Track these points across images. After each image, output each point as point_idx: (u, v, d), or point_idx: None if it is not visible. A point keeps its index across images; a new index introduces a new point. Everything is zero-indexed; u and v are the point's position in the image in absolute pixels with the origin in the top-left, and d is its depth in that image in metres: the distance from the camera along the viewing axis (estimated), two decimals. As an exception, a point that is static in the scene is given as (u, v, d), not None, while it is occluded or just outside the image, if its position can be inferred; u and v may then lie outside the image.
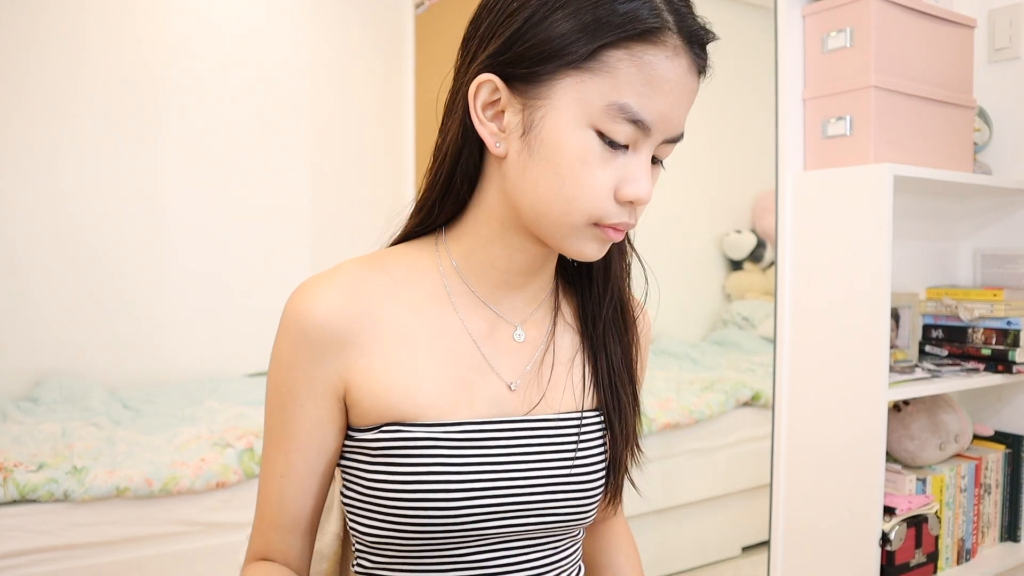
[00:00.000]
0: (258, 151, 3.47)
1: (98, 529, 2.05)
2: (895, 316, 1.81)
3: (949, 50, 1.71)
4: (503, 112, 0.72)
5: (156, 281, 3.25)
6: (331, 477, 0.81)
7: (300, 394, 0.75)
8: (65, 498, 2.02)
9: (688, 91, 0.70)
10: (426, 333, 0.77)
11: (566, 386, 0.83)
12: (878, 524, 1.54)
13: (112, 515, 2.07)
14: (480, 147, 0.75)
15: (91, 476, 2.05)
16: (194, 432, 2.46)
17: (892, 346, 1.80)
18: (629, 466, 0.87)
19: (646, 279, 0.88)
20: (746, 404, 2.99)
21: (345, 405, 0.77)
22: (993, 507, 1.85)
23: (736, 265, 4.09)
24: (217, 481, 2.17)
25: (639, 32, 0.66)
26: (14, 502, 1.98)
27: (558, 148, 0.69)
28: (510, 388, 0.80)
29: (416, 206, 0.82)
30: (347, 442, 0.78)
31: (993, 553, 1.83)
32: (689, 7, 0.71)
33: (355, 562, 0.82)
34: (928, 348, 1.88)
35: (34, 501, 2.00)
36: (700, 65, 0.71)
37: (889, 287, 1.52)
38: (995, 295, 1.77)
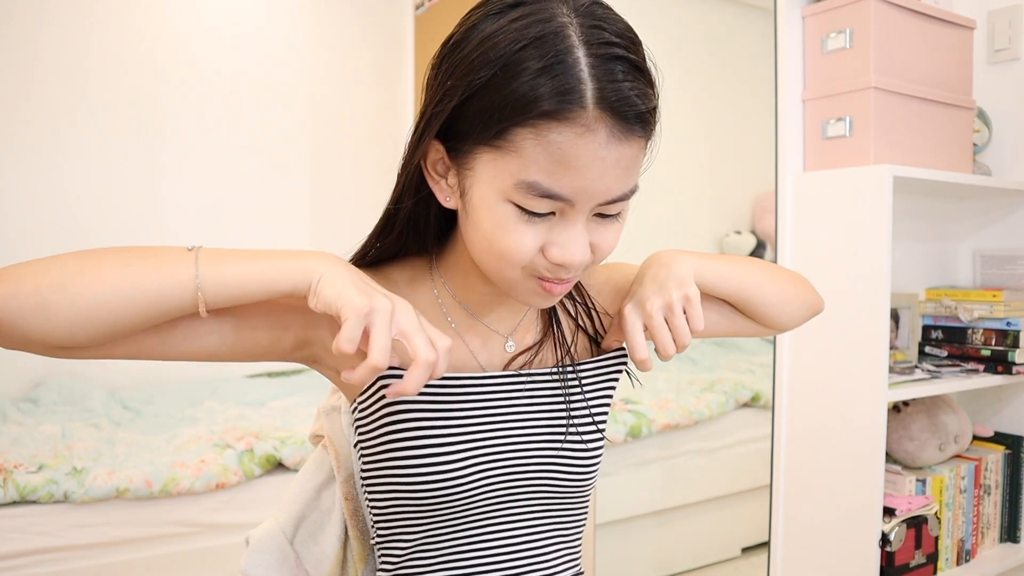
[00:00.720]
0: (258, 151, 3.47)
1: (98, 530, 2.05)
2: (895, 317, 1.82)
3: (948, 51, 1.71)
4: (447, 174, 0.73)
5: (156, 282, 3.24)
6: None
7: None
8: (65, 499, 2.01)
9: (613, 162, 0.66)
10: None
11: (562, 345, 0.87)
12: (878, 525, 1.54)
13: (112, 516, 2.07)
14: (435, 207, 0.78)
15: (91, 477, 2.05)
16: (194, 433, 2.46)
17: (892, 347, 1.80)
18: None
19: None
20: (746, 405, 2.99)
21: (305, 355, 0.79)
22: (993, 508, 1.85)
23: (736, 266, 4.08)
24: (217, 482, 2.17)
25: (542, 112, 0.63)
26: (14, 503, 1.98)
27: (482, 216, 0.70)
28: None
29: (380, 232, 0.82)
30: (357, 422, 0.81)
31: (993, 554, 1.83)
32: (628, 68, 0.66)
33: (379, 554, 0.84)
34: (928, 349, 1.88)
35: (34, 502, 2.00)
36: (629, 133, 0.66)
37: (889, 288, 1.52)
38: (995, 296, 1.77)
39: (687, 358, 3.52)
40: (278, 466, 2.32)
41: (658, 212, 3.80)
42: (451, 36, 0.71)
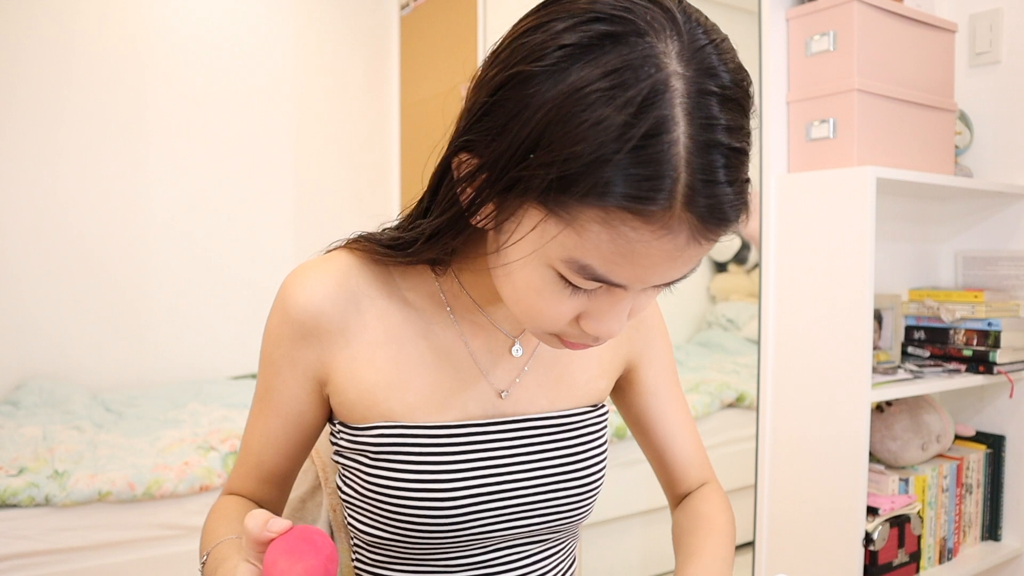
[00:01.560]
0: (242, 153, 3.45)
1: (80, 534, 2.03)
2: (878, 317, 1.83)
3: (931, 54, 1.73)
4: (487, 203, 0.62)
5: (139, 283, 3.22)
6: (310, 443, 0.82)
7: (282, 368, 0.77)
8: (46, 503, 1.99)
9: (685, 260, 0.57)
10: (417, 330, 0.76)
11: (565, 386, 0.83)
12: (861, 524, 1.55)
13: (94, 519, 2.05)
14: (463, 223, 0.69)
15: (73, 480, 2.03)
16: (177, 435, 2.44)
17: (875, 347, 1.81)
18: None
19: None
20: (730, 405, 3.00)
21: (326, 392, 0.78)
22: (975, 507, 1.87)
23: (720, 267, 4.11)
24: (201, 484, 2.15)
25: (618, 202, 0.52)
26: (-6, 507, 1.96)
27: (516, 272, 0.62)
28: (500, 396, 0.78)
29: (406, 241, 0.73)
30: (345, 439, 0.77)
31: (974, 552, 1.85)
32: (731, 160, 0.55)
33: (354, 556, 0.82)
34: (910, 349, 1.90)
35: (15, 506, 1.98)
36: (713, 236, 0.57)
37: (872, 289, 1.53)
38: (976, 296, 1.78)
39: (672, 359, 3.53)
40: (263, 468, 2.30)
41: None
42: (515, 53, 0.57)
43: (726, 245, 3.99)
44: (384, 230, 0.77)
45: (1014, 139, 1.89)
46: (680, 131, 0.52)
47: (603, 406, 0.86)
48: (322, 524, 0.93)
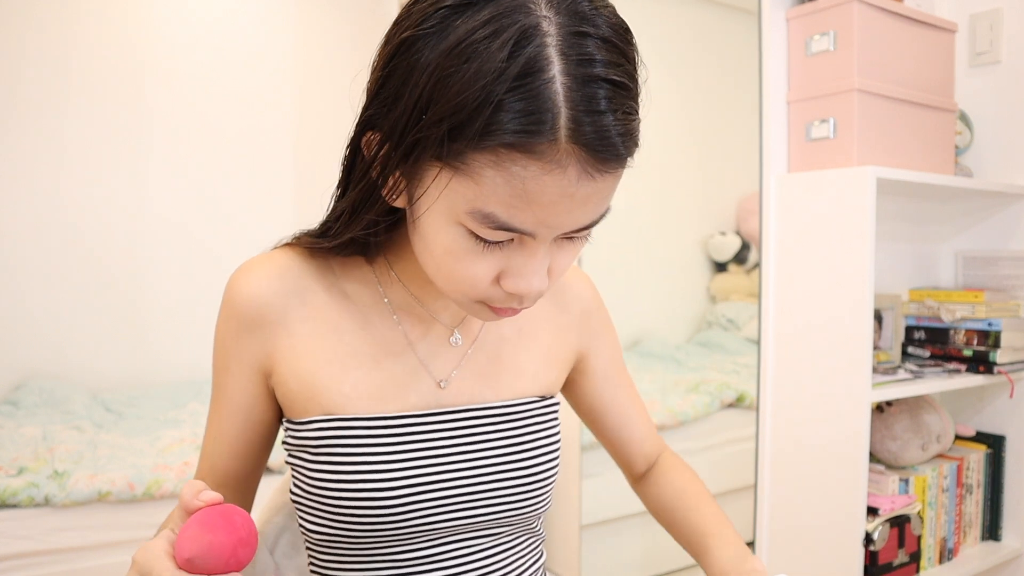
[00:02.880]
0: (241, 151, 3.45)
1: (80, 534, 2.03)
2: (878, 318, 1.83)
3: (931, 54, 1.73)
4: (395, 170, 0.64)
5: (138, 283, 3.22)
6: (265, 444, 0.83)
7: (230, 364, 0.78)
8: (46, 503, 1.99)
9: (583, 198, 0.58)
10: (357, 323, 0.77)
11: (510, 375, 0.82)
12: (861, 524, 1.55)
13: (94, 519, 2.05)
14: (379, 200, 0.70)
15: (73, 480, 2.03)
16: (177, 435, 2.44)
17: (875, 347, 1.81)
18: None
19: None
20: (730, 405, 3.00)
21: (271, 384, 0.78)
22: (975, 507, 1.86)
23: (720, 267, 4.10)
24: (201, 484, 2.15)
25: (505, 141, 0.55)
26: (-6, 507, 1.96)
27: (430, 237, 0.63)
28: (439, 386, 0.78)
29: (330, 225, 0.76)
30: (290, 437, 0.77)
31: (975, 552, 1.85)
32: (612, 93, 0.56)
33: (309, 561, 0.81)
34: (910, 349, 1.90)
35: (15, 506, 1.98)
36: (604, 170, 0.58)
37: (872, 289, 1.53)
38: (976, 296, 1.78)
39: (672, 359, 3.53)
40: (262, 468, 2.30)
41: (643, 213, 3.80)
42: (404, 22, 0.62)
43: (726, 245, 3.99)
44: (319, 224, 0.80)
45: (1014, 139, 1.89)
46: (556, 69, 0.55)
47: (552, 398, 0.85)
48: None
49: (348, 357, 0.76)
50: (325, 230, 0.77)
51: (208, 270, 3.37)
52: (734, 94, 3.75)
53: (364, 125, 0.66)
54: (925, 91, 1.70)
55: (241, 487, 0.84)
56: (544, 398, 0.84)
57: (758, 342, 1.74)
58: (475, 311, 0.68)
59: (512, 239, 0.61)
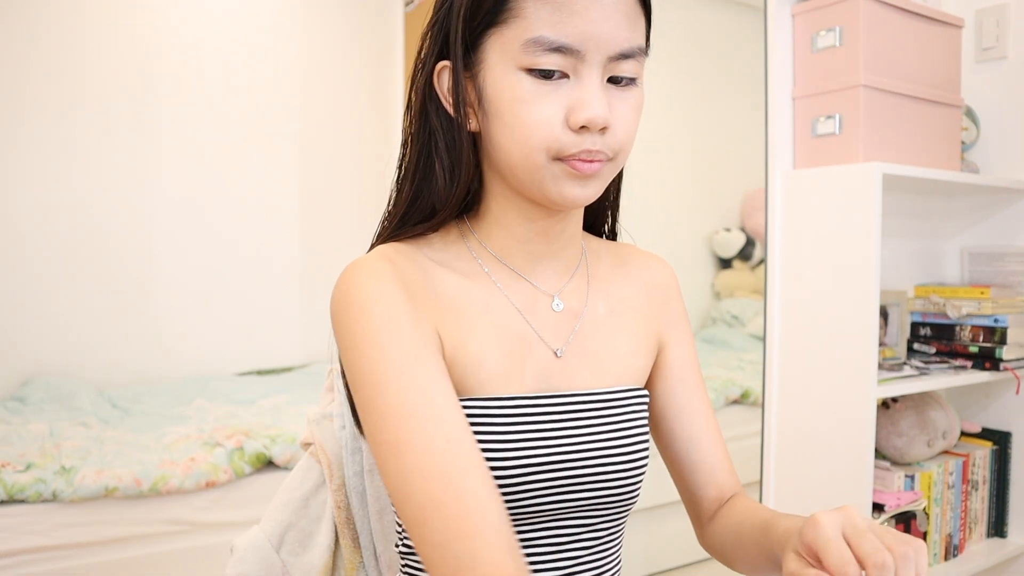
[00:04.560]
0: (248, 150, 3.45)
1: (87, 529, 2.04)
2: (883, 314, 1.82)
3: (937, 49, 1.72)
4: (466, 92, 0.75)
5: (145, 280, 3.23)
6: None
7: (419, 352, 0.69)
8: (53, 498, 2.00)
9: (612, 5, 0.70)
10: (478, 307, 0.78)
11: (607, 358, 0.83)
12: (867, 521, 1.55)
13: (101, 515, 2.06)
14: (466, 134, 0.76)
15: (80, 476, 2.04)
16: (183, 431, 2.45)
17: (881, 344, 1.81)
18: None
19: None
20: (736, 402, 3.00)
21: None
22: (980, 503, 1.86)
23: (725, 263, 4.10)
24: (207, 480, 2.16)
25: None
26: (2, 503, 1.97)
27: (498, 99, 0.71)
28: (556, 355, 0.80)
29: (412, 207, 0.79)
30: None
31: (980, 549, 1.84)
32: None
33: (402, 564, 0.81)
34: (916, 346, 1.89)
35: (22, 501, 1.99)
36: None
37: (878, 285, 1.53)
38: (982, 293, 1.78)
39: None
40: (268, 464, 2.31)
41: (648, 209, 3.80)
42: None
43: (731, 241, 3.98)
44: (385, 218, 0.81)
45: (1021, 135, 1.89)
46: None
47: (643, 389, 0.85)
48: (326, 522, 0.93)
49: (481, 342, 0.76)
50: (415, 213, 0.79)
51: (214, 267, 3.37)
52: (739, 90, 3.74)
53: (427, 71, 0.76)
54: (931, 87, 1.70)
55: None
56: (637, 389, 0.84)
57: (763, 338, 1.74)
58: (560, 184, 0.72)
59: (567, 75, 0.70)
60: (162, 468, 2.14)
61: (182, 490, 2.13)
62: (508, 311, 0.79)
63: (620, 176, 0.88)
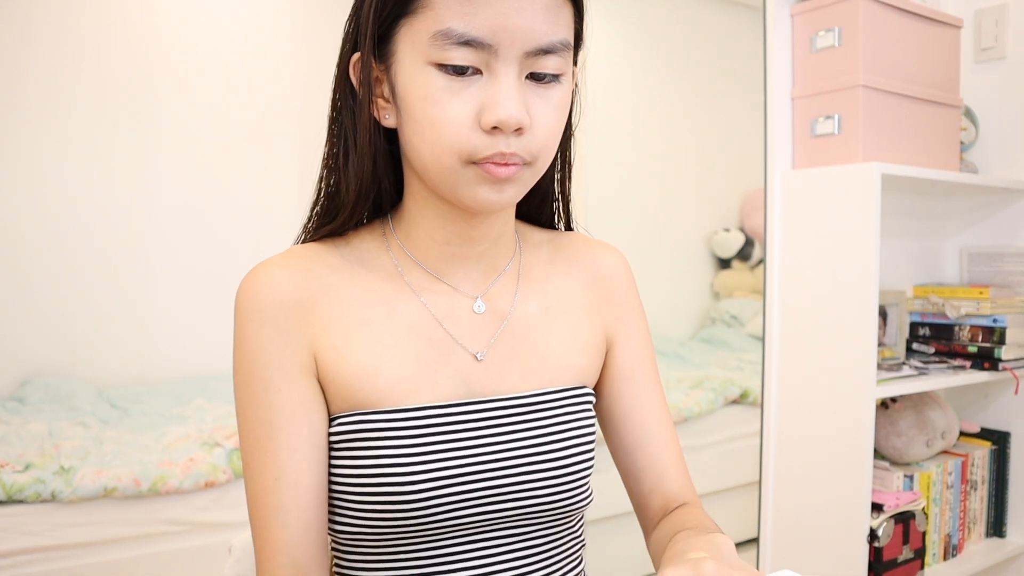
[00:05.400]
0: (248, 150, 3.45)
1: (86, 529, 2.04)
2: (882, 314, 1.83)
3: (936, 50, 1.72)
4: (381, 86, 0.72)
5: (144, 280, 3.23)
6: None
7: (274, 379, 0.71)
8: (52, 498, 2.00)
9: (522, 5, 0.65)
10: (383, 313, 0.75)
11: (539, 359, 0.79)
12: (866, 521, 1.55)
13: (100, 515, 2.06)
14: (372, 130, 0.74)
15: (79, 476, 2.04)
16: (183, 431, 2.45)
17: (880, 344, 1.81)
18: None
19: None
20: (734, 402, 3.00)
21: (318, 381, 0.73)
22: (979, 503, 1.86)
23: (724, 263, 4.10)
24: (206, 480, 2.16)
25: None
26: (1, 503, 1.97)
27: (409, 96, 0.68)
28: (476, 358, 0.76)
29: (332, 202, 0.78)
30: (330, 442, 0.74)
31: (979, 549, 1.84)
32: None
33: (333, 562, 0.79)
34: (915, 346, 1.89)
35: (21, 502, 1.98)
36: None
37: (877, 285, 1.53)
38: (981, 293, 1.78)
39: (676, 355, 3.53)
40: (267, 464, 2.31)
41: (647, 210, 3.80)
42: None
43: (730, 241, 3.98)
44: (308, 217, 0.81)
45: (1020, 135, 1.89)
46: None
47: (585, 388, 0.81)
48: None
49: (381, 350, 0.73)
50: (331, 209, 0.78)
51: (213, 267, 3.37)
52: (738, 90, 3.75)
53: (343, 63, 0.75)
54: (930, 87, 1.70)
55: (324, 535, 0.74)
56: (576, 388, 0.80)
57: (762, 338, 1.74)
58: (474, 187, 0.68)
59: (480, 72, 0.66)
60: (161, 468, 2.14)
61: (181, 490, 2.13)
62: (420, 315, 0.76)
63: (567, 166, 0.83)
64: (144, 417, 2.65)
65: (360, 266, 0.76)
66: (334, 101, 0.77)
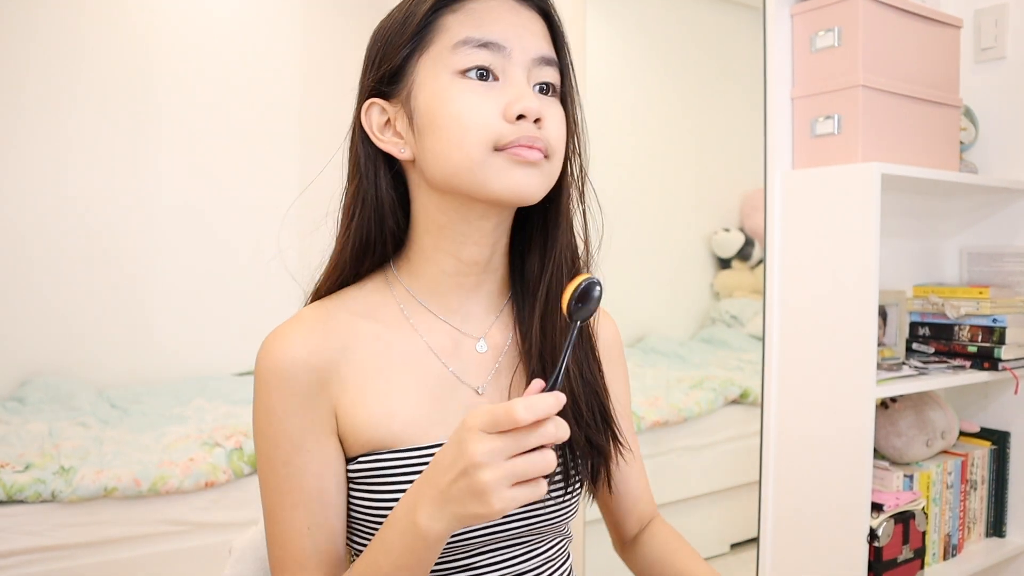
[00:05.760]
0: (248, 151, 3.45)
1: (86, 529, 2.04)
2: (882, 314, 1.83)
3: (936, 50, 1.72)
4: (395, 124, 0.78)
5: (144, 280, 3.23)
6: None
7: (305, 441, 0.75)
8: (53, 498, 2.00)
9: (526, 19, 0.77)
10: (394, 360, 0.79)
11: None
12: (866, 520, 1.55)
13: (100, 515, 2.06)
14: (393, 174, 0.80)
15: (79, 476, 2.04)
16: (182, 431, 2.45)
17: (879, 344, 1.81)
18: (606, 461, 0.85)
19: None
20: (734, 402, 3.00)
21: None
22: (979, 503, 1.86)
23: (724, 263, 4.10)
24: (206, 480, 2.16)
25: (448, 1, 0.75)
26: (1, 503, 1.97)
27: (433, 107, 0.74)
28: (478, 392, 0.81)
29: (341, 256, 0.84)
30: (352, 474, 0.79)
31: (979, 549, 1.84)
32: None
33: None
34: (915, 345, 1.89)
35: (21, 502, 1.99)
36: (527, 4, 0.78)
37: (876, 285, 1.53)
38: (981, 293, 1.78)
39: (676, 355, 3.53)
40: (267, 464, 2.31)
41: (647, 210, 3.80)
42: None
43: (730, 241, 3.98)
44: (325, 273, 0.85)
45: (1019, 135, 1.89)
46: None
47: None
48: None
49: (395, 396, 0.78)
50: (342, 256, 0.83)
51: (213, 267, 3.37)
52: (738, 90, 3.75)
53: (356, 113, 0.81)
54: (930, 87, 1.70)
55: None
56: None
57: (762, 338, 1.74)
58: (504, 175, 0.73)
59: (497, 79, 0.74)
60: (161, 468, 2.14)
61: (181, 490, 2.13)
62: (427, 357, 0.80)
63: (584, 208, 0.85)
64: (144, 417, 2.66)
65: (368, 319, 0.80)
66: (352, 152, 0.83)
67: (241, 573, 0.91)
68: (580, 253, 0.86)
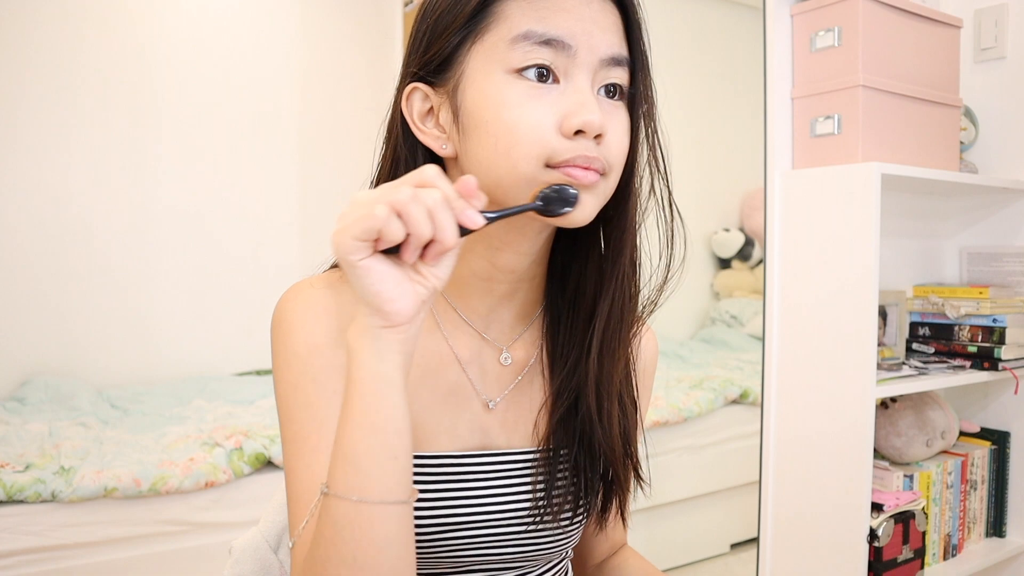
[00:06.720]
0: (247, 150, 3.45)
1: (86, 529, 2.04)
2: (882, 314, 1.83)
3: (936, 49, 1.72)
4: (438, 115, 0.71)
5: (144, 280, 3.23)
6: None
7: (329, 381, 0.69)
8: (53, 498, 2.00)
9: (597, 11, 0.67)
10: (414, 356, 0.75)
11: (540, 417, 0.79)
12: (866, 520, 1.55)
13: (100, 515, 2.06)
14: (433, 162, 0.72)
15: (79, 476, 2.04)
16: (183, 431, 2.45)
17: (879, 344, 1.81)
18: (622, 503, 0.83)
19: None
20: (734, 402, 3.00)
21: None
22: (979, 503, 1.86)
23: (724, 263, 4.10)
24: (206, 481, 2.16)
25: None
26: (1, 503, 1.97)
27: (482, 108, 0.66)
28: (488, 407, 0.77)
29: None
30: None
31: (979, 548, 1.84)
32: None
33: None
34: (915, 346, 1.89)
35: (21, 502, 1.98)
36: None
37: (876, 285, 1.53)
38: (981, 293, 1.78)
39: (676, 355, 3.53)
40: (267, 464, 2.31)
41: (648, 209, 3.80)
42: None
43: (730, 241, 3.98)
44: None
45: (1019, 135, 1.89)
46: None
47: None
48: None
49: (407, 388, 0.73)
50: None
51: (213, 267, 3.37)
52: (738, 90, 3.75)
53: (397, 96, 0.73)
54: (930, 87, 1.70)
55: None
56: (555, 449, 0.80)
57: (762, 338, 1.74)
58: (554, 182, 0.65)
59: (558, 80, 0.66)
60: (161, 468, 2.14)
61: (181, 490, 2.13)
62: (447, 359, 0.76)
63: (635, 248, 0.79)
64: (144, 417, 2.65)
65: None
66: (387, 135, 0.77)
67: (241, 573, 0.91)
68: (645, 278, 0.80)
